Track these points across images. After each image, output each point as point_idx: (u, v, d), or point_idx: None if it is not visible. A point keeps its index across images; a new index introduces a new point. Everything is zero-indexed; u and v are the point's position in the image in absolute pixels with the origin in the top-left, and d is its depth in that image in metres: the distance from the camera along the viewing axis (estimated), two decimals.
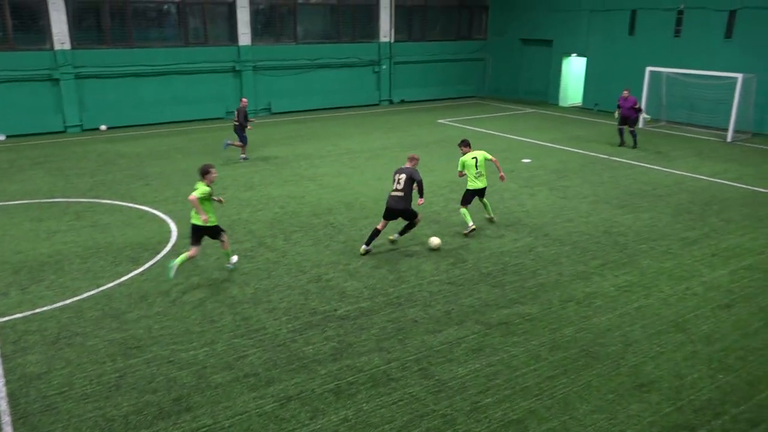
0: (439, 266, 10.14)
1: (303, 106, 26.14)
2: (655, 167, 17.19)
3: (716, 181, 15.82)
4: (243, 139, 16.92)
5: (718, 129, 22.66)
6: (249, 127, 16.86)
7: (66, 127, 21.91)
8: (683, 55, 24.03)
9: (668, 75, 23.76)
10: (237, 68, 24.72)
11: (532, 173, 16.07)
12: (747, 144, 20.77)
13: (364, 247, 10.40)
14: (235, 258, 9.94)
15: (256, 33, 25.01)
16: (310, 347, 7.80)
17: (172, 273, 9.20)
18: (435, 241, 10.63)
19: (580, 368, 7.38)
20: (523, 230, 11.90)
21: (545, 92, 30.11)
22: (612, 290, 9.48)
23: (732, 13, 22.46)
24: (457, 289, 9.30)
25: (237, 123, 16.77)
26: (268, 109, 25.82)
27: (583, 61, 28.66)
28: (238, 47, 24.68)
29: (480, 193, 11.28)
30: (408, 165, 10.37)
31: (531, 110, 27.72)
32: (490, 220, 12.21)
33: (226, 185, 14.96)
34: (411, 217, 10.30)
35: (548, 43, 29.61)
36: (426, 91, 30.04)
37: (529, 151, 18.91)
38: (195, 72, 23.92)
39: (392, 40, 28.51)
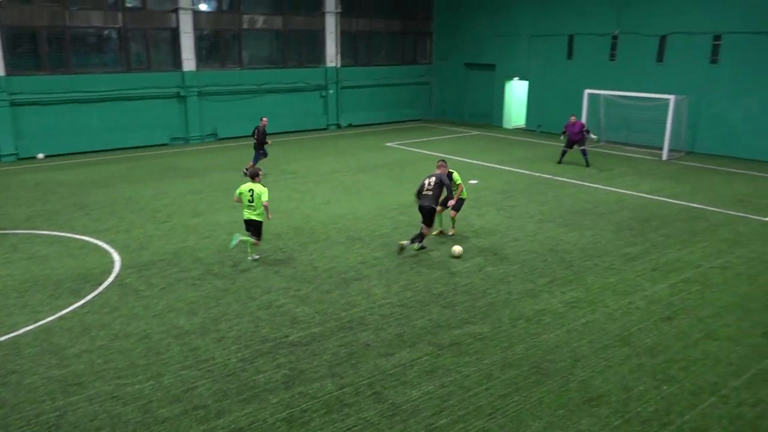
0: (390, 289, 10.12)
1: (250, 132, 25.73)
2: (597, 186, 17.60)
3: (655, 198, 16.27)
4: (258, 157, 17.70)
5: (654, 148, 23.41)
6: (269, 141, 17.95)
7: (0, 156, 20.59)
8: (619, 78, 24.84)
9: (606, 97, 24.48)
10: (182, 94, 24.45)
11: (479, 194, 16.22)
12: (681, 162, 21.55)
13: (406, 242, 11.43)
14: (257, 255, 11.14)
15: (201, 58, 24.81)
16: (261, 376, 7.64)
17: (233, 243, 10.78)
18: (458, 249, 11.35)
19: (531, 385, 7.44)
20: (472, 250, 11.94)
21: (490, 115, 30.65)
22: (560, 307, 9.61)
23: (662, 39, 23.42)
24: (409, 312, 9.28)
25: (256, 141, 17.54)
26: (215, 135, 25.44)
27: (525, 84, 29.28)
28: (183, 73, 24.40)
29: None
30: (438, 171, 11.49)
31: (477, 132, 28.18)
32: (441, 233, 12.60)
33: (171, 212, 14.64)
34: (430, 220, 11.14)
35: (491, 67, 30.22)
36: (373, 115, 30.26)
37: (476, 172, 19.13)
38: (138, 98, 23.55)
39: (338, 65, 28.67)
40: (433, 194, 11.23)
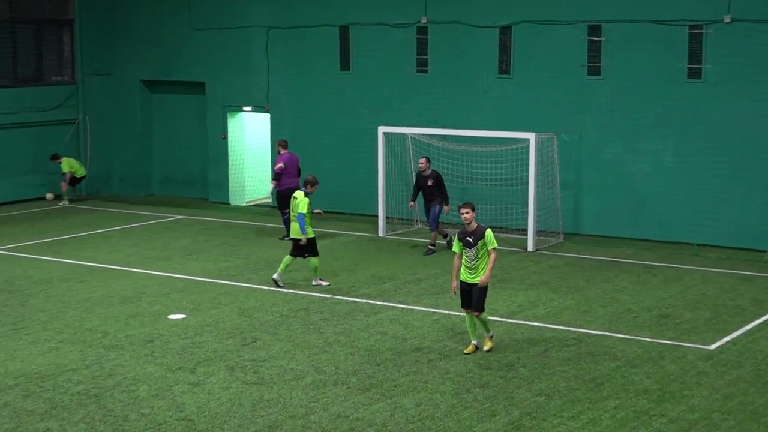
0: None
1: None
2: (416, 307, 18.41)
3: (521, 323, 17.30)
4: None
5: (511, 231, 24.62)
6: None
7: None
8: (438, 103, 26.22)
9: (415, 138, 25.79)
10: None
11: (191, 340, 16.54)
12: (559, 254, 23.09)
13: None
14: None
15: None
16: None
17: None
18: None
19: None
20: None
21: (203, 181, 30.98)
22: None
23: (505, 31, 25.11)
24: None
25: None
26: None
27: (266, 119, 29.74)
28: None
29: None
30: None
31: (180, 217, 28.45)
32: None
33: None
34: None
35: (196, 87, 30.57)
36: None
37: (180, 297, 19.43)
38: None
39: None
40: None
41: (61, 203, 30.55)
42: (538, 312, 17.90)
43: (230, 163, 30.17)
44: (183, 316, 17.82)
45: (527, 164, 23.19)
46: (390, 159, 25.57)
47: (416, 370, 14.66)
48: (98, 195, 32.30)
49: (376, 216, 25.09)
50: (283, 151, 24.46)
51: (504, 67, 25.22)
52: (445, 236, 22.76)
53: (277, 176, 24.28)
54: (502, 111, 25.23)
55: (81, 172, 30.93)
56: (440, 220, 22.96)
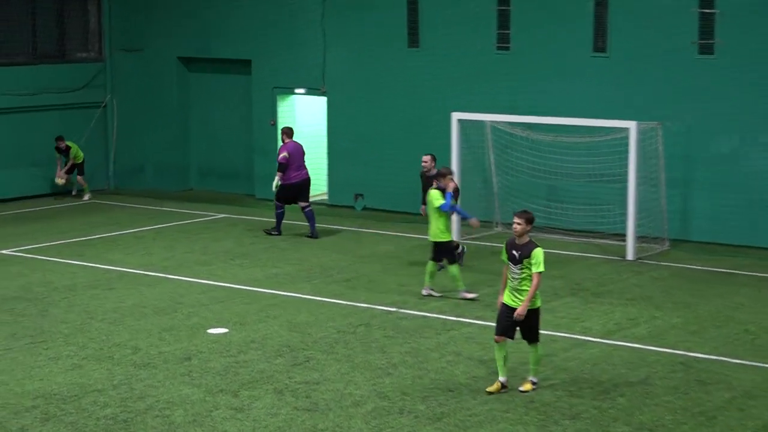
0: None
1: None
2: (494, 324, 16.94)
3: (618, 344, 17.04)
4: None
5: (605, 236, 24.45)
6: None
7: None
8: (520, 87, 25.99)
9: (496, 126, 25.49)
10: None
11: (233, 359, 16.52)
12: (664, 263, 22.79)
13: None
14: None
15: None
16: None
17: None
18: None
19: None
20: None
21: (249, 174, 30.82)
22: None
23: (600, 1, 24.61)
24: None
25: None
26: None
27: (321, 104, 29.60)
28: None
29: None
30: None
31: (222, 216, 28.51)
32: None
33: None
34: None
35: (243, 66, 30.42)
36: None
37: (221, 308, 19.48)
38: None
39: None
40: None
41: (86, 197, 30.82)
42: (639, 332, 17.63)
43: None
44: (225, 330, 17.80)
45: (626, 158, 22.93)
46: (465, 150, 25.34)
47: (495, 398, 14.40)
48: (127, 189, 32.42)
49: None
50: (287, 140, 25.22)
51: (599, 44, 24.88)
52: (456, 248, 21.49)
53: (281, 167, 24.70)
54: (597, 95, 24.92)
55: (81, 156, 30.76)
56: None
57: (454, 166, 24.42)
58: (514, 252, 14.77)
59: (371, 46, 28.25)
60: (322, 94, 29.34)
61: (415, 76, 27.67)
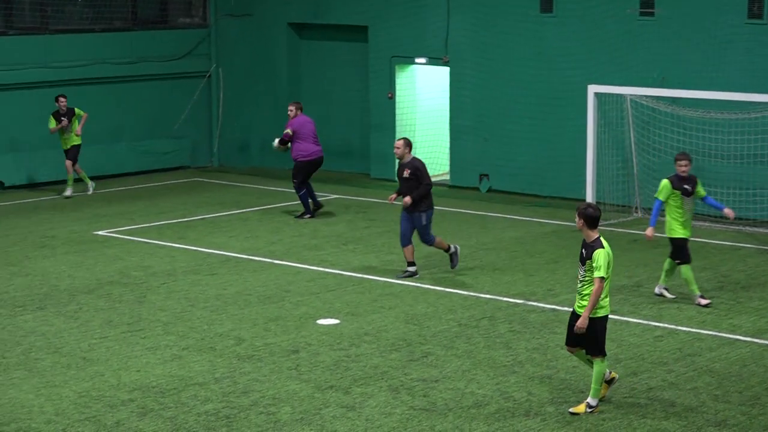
0: None
1: None
2: (632, 320, 18.19)
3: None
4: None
5: (756, 223, 24.38)
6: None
7: None
8: (666, 58, 25.89)
9: (637, 101, 25.37)
10: None
11: (344, 352, 16.67)
12: None
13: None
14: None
15: None
16: None
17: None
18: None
19: None
20: None
21: (364, 152, 31.32)
22: None
23: None
24: None
25: None
26: None
27: (443, 74, 29.74)
28: None
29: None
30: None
31: (334, 196, 29.06)
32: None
33: None
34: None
35: (359, 33, 30.55)
36: (58, 159, 29.36)
37: (332, 297, 19.76)
38: None
39: None
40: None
41: (89, 189, 29.36)
42: None
43: (398, 129, 30.17)
44: (336, 321, 17.98)
45: None
46: (603, 127, 25.39)
47: (631, 402, 14.36)
48: (232, 167, 33.00)
49: (583, 201, 24.93)
50: (298, 113, 25.90)
51: (756, 9, 24.57)
52: (446, 249, 21.10)
53: (284, 142, 25.79)
54: (752, 66, 24.72)
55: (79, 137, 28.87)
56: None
57: (590, 144, 24.37)
58: (582, 250, 14.25)
59: (499, 12, 28.18)
60: (445, 64, 29.39)
61: (547, 44, 27.61)
